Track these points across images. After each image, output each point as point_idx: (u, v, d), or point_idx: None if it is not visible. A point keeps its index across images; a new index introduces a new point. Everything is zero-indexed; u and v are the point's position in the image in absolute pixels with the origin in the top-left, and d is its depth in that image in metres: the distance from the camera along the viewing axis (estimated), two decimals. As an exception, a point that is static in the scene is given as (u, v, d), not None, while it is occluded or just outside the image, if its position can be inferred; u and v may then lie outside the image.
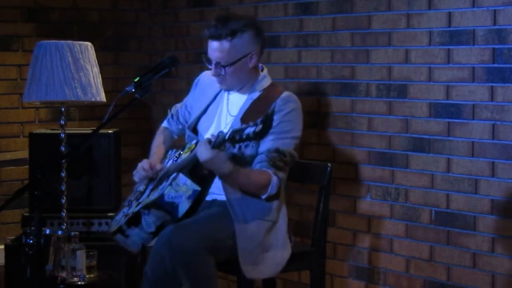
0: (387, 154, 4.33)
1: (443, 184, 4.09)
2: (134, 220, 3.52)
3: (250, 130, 3.19)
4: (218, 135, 3.31)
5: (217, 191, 3.57)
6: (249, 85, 3.67)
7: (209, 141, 3.34)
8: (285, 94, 3.63)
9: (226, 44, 3.56)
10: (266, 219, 3.55)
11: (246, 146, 3.26)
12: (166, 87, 5.53)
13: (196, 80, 3.87)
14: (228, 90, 3.67)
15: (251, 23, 3.62)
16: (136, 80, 3.38)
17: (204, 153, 3.32)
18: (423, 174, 4.17)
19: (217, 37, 3.56)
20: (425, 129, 4.16)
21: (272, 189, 3.50)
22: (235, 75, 3.60)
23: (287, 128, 3.56)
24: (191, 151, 3.49)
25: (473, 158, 3.97)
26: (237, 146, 3.27)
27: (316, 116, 4.67)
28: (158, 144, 3.90)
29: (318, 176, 3.86)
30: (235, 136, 3.22)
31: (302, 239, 4.66)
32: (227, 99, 3.70)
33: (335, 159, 4.55)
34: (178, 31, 5.59)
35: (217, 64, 3.58)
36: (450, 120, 4.05)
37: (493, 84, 3.88)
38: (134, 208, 3.56)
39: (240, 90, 3.68)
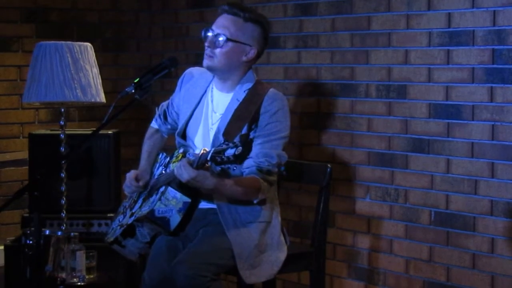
0: (386, 155, 4.33)
1: (443, 184, 4.09)
2: (129, 231, 3.54)
3: (230, 152, 3.16)
4: (200, 155, 3.28)
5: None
6: (234, 82, 3.60)
7: (189, 161, 3.31)
8: (270, 92, 3.56)
9: (239, 21, 3.54)
10: (259, 220, 3.54)
11: (228, 168, 3.26)
12: (166, 88, 5.52)
13: (181, 78, 3.79)
14: (210, 68, 3.57)
15: (265, 22, 3.62)
16: (135, 81, 3.38)
17: (184, 174, 3.30)
18: (422, 175, 4.17)
19: (234, 14, 3.55)
20: (424, 129, 4.16)
21: (263, 194, 3.49)
22: (228, 55, 3.53)
23: (275, 129, 3.52)
24: (179, 162, 3.46)
25: (472, 158, 3.97)
26: (219, 167, 3.27)
27: (315, 117, 4.67)
28: (148, 148, 3.86)
29: (318, 176, 3.86)
30: (217, 158, 3.20)
31: (301, 240, 4.66)
32: (212, 98, 3.65)
33: (334, 159, 4.55)
34: (178, 31, 5.59)
35: (218, 35, 3.52)
36: (450, 120, 4.05)
37: (493, 85, 3.88)
38: (128, 219, 3.57)
39: (223, 85, 3.61)
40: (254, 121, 3.50)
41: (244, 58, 3.57)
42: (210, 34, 3.55)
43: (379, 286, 4.40)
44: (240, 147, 3.15)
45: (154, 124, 3.92)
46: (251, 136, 3.49)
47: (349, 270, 4.55)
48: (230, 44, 3.53)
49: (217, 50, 3.53)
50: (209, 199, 3.55)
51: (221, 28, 3.54)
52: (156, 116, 3.90)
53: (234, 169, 3.33)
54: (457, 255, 4.05)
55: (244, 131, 3.47)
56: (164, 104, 3.88)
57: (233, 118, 3.52)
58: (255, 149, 3.49)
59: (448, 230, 4.08)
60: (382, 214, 4.37)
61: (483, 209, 3.94)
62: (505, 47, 3.82)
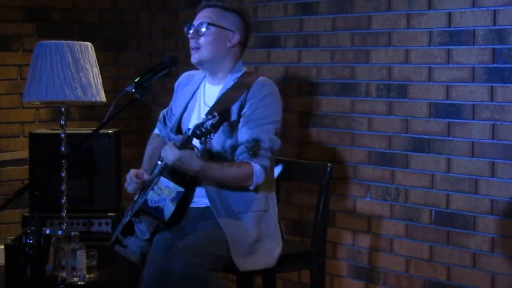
0: (387, 154, 4.33)
1: (443, 184, 4.09)
2: (128, 229, 3.54)
3: (208, 123, 3.22)
4: (184, 133, 3.34)
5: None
6: (224, 73, 3.64)
7: (175, 143, 3.36)
8: (260, 79, 3.59)
9: (218, 10, 3.64)
10: (253, 210, 3.53)
11: (205, 139, 3.28)
12: (166, 87, 5.52)
13: (176, 83, 3.85)
14: (199, 62, 3.62)
15: (243, 12, 3.70)
16: (136, 80, 3.38)
17: (169, 155, 3.35)
18: (423, 174, 4.17)
19: (212, 6, 3.65)
20: (425, 129, 4.16)
21: (257, 179, 3.47)
22: (212, 44, 3.58)
23: (264, 114, 3.51)
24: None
25: (473, 158, 3.97)
26: (200, 141, 3.31)
27: (316, 116, 4.67)
28: (149, 152, 3.88)
29: (318, 176, 3.86)
30: (196, 131, 3.26)
31: (302, 239, 4.66)
32: (204, 92, 3.68)
33: (335, 159, 4.55)
34: (178, 31, 5.58)
35: (200, 24, 3.60)
36: (450, 120, 4.05)
37: (493, 84, 3.88)
38: (127, 217, 3.58)
39: (214, 78, 3.65)
40: (243, 107, 3.51)
41: (229, 44, 3.62)
42: (193, 27, 3.63)
43: (380, 285, 4.40)
44: (217, 116, 3.20)
45: (155, 131, 3.96)
46: (241, 123, 3.50)
47: (350, 269, 4.55)
48: (212, 29, 3.59)
49: (202, 40, 3.59)
50: (201, 184, 3.55)
51: (202, 19, 3.63)
52: (157, 122, 3.94)
53: (211, 138, 3.32)
54: (457, 254, 4.05)
55: (234, 117, 3.48)
56: (164, 111, 3.93)
57: (218, 101, 3.54)
58: (246, 134, 3.48)
59: (449, 229, 4.08)
60: (383, 213, 4.37)
61: (483, 209, 3.94)
62: (506, 46, 3.82)
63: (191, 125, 3.62)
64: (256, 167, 3.46)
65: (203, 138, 3.27)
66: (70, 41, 4.53)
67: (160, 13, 5.74)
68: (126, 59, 5.74)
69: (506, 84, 3.83)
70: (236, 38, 3.62)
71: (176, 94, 3.83)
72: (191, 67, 3.85)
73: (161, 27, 5.74)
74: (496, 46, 3.86)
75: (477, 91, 3.94)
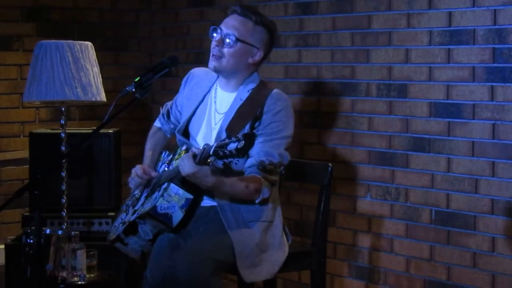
0: (387, 154, 4.33)
1: (443, 183, 4.09)
2: (131, 229, 3.53)
3: (233, 146, 3.15)
4: (203, 149, 3.28)
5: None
6: (238, 81, 3.61)
7: (194, 155, 3.31)
8: (274, 92, 3.57)
9: (250, 23, 3.55)
10: (261, 220, 3.54)
11: (230, 162, 3.26)
12: (166, 87, 5.53)
13: (185, 78, 3.80)
14: (216, 70, 3.57)
15: (274, 28, 3.64)
16: (136, 80, 3.37)
17: (186, 167, 3.30)
18: (423, 174, 4.17)
19: (244, 15, 3.56)
20: (425, 128, 4.16)
21: (264, 193, 3.48)
22: (235, 57, 3.53)
23: (277, 129, 3.52)
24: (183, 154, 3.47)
25: (473, 157, 3.97)
26: (221, 162, 3.28)
27: (316, 116, 4.67)
28: (151, 146, 3.86)
29: (319, 176, 3.86)
30: (219, 152, 3.19)
31: (302, 239, 4.66)
32: (215, 97, 3.66)
33: (335, 159, 4.55)
34: (178, 31, 5.59)
35: (228, 35, 3.52)
36: (450, 119, 4.05)
37: (493, 84, 3.88)
38: (130, 217, 3.57)
39: (227, 84, 3.62)
40: (256, 119, 3.50)
41: (250, 60, 3.58)
42: (219, 33, 3.55)
43: (380, 285, 4.40)
44: (243, 141, 3.14)
45: (157, 123, 3.93)
46: None
47: (350, 269, 4.55)
48: (239, 44, 3.53)
49: (225, 50, 3.54)
50: (212, 196, 3.55)
51: (231, 29, 3.54)
52: (160, 115, 3.90)
53: (236, 163, 3.32)
54: (457, 254, 4.05)
55: (247, 129, 3.47)
56: (168, 104, 3.89)
57: (236, 116, 3.52)
58: (257, 148, 3.47)
59: (449, 229, 4.08)
60: (383, 213, 4.37)
61: (483, 208, 3.94)
62: (506, 46, 3.82)
63: (201, 133, 3.61)
64: (265, 182, 3.48)
65: (225, 160, 3.25)
66: (70, 41, 4.52)
67: (160, 13, 5.74)
68: (126, 59, 5.74)
69: (506, 84, 3.83)
70: (259, 55, 3.58)
71: (183, 89, 3.79)
72: (191, 67, 3.84)
73: (161, 27, 5.74)
74: (496, 46, 3.86)
75: (477, 91, 3.94)
